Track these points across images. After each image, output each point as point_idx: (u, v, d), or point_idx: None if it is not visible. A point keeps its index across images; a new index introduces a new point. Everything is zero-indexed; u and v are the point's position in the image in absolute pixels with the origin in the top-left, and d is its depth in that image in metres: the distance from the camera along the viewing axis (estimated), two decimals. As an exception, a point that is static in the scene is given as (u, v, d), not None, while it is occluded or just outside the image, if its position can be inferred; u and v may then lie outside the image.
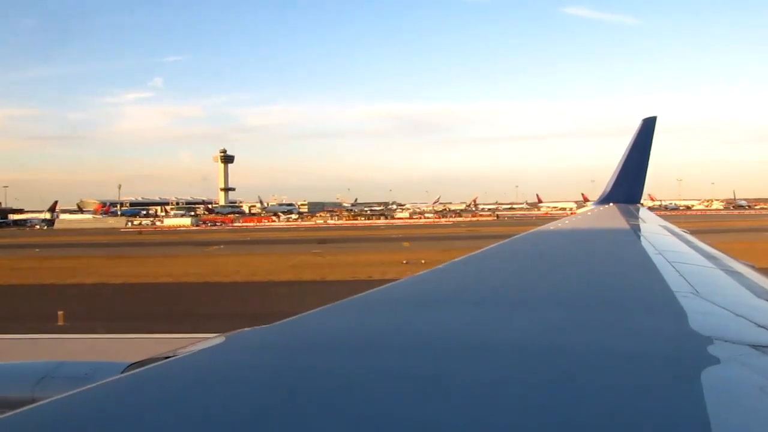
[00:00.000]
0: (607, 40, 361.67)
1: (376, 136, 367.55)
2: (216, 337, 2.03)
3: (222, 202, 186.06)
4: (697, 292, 2.82)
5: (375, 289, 2.98)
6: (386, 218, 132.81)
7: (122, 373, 2.24)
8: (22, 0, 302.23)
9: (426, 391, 1.49)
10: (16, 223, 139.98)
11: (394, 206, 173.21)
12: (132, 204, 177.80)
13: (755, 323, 2.19)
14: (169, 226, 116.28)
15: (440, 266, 3.95)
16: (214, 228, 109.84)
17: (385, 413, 1.36)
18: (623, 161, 11.45)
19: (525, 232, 7.07)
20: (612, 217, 9.06)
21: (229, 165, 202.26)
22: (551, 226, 8.61)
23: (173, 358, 1.90)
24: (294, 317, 2.31)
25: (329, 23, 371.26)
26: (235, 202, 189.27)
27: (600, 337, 2.07)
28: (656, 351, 1.85)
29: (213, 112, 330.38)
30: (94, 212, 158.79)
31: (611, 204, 10.84)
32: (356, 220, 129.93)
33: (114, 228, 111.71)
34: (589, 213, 11.06)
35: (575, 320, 2.31)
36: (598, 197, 12.01)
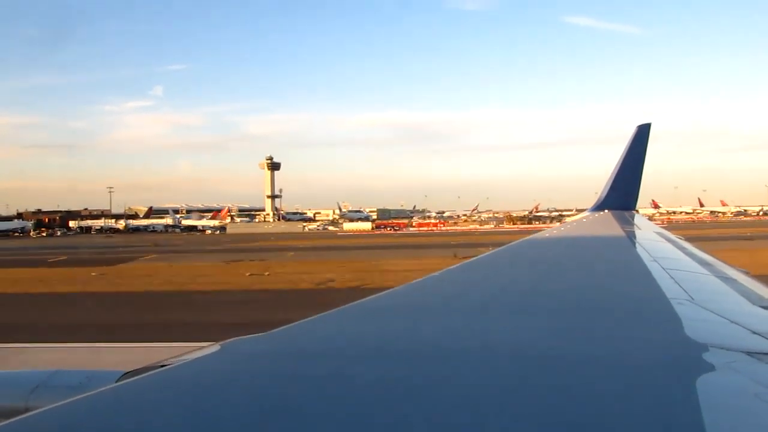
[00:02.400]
0: (608, 48, 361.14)
1: (378, 145, 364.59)
2: (211, 345, 2.02)
3: (268, 209, 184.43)
4: (692, 299, 2.83)
5: (371, 297, 2.97)
6: (560, 222, 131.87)
7: (117, 381, 2.23)
8: (23, 8, 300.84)
9: (422, 399, 1.48)
10: (137, 229, 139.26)
11: (476, 213, 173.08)
12: (188, 210, 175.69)
13: (750, 330, 2.20)
14: (352, 230, 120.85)
15: (436, 273, 3.95)
16: (398, 232, 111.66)
17: (381, 421, 1.36)
18: (618, 168, 11.49)
19: (521, 240, 7.08)
20: (607, 224, 9.07)
21: (273, 172, 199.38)
22: (546, 233, 8.62)
23: (168, 366, 1.89)
24: (289, 325, 2.30)
25: (329, 32, 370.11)
26: (277, 209, 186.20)
27: (595, 344, 2.07)
28: (651, 358, 1.85)
29: (213, 120, 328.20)
30: (222, 218, 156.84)
31: (606, 211, 10.87)
32: (531, 224, 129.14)
33: (295, 232, 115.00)
34: (584, 220, 11.08)
35: (570, 327, 2.31)
36: (593, 204, 12.04)
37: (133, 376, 2.05)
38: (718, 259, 5.01)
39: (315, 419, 1.37)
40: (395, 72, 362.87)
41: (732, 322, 2.36)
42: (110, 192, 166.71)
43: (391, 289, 3.30)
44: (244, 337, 2.12)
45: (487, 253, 5.37)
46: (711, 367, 1.66)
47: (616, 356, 1.88)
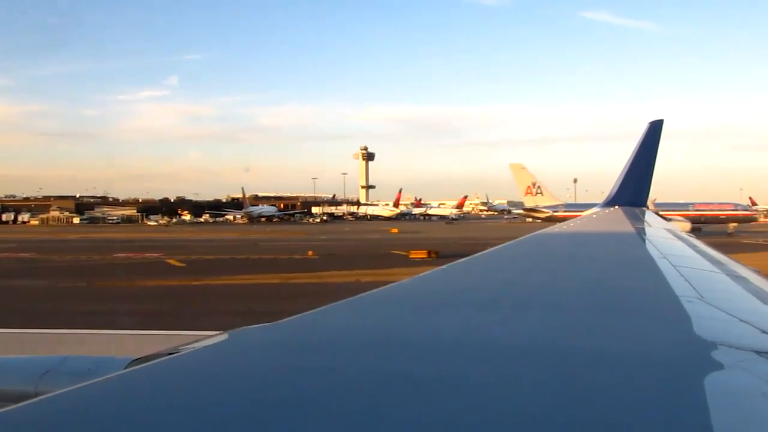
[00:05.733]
0: (626, 44, 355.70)
1: (390, 139, 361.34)
2: (219, 334, 2.03)
3: (363, 200, 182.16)
4: (702, 296, 2.81)
5: (379, 289, 2.98)
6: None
7: (125, 368, 2.24)
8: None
9: (427, 392, 1.48)
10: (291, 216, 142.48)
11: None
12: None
13: (760, 329, 2.18)
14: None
15: (443, 267, 3.95)
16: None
17: (386, 413, 1.36)
18: (629, 164, 11.41)
19: (529, 235, 7.06)
20: (617, 220, 9.02)
21: (367, 162, 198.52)
22: (556, 228, 8.58)
23: (176, 354, 1.90)
24: (297, 315, 2.31)
25: (342, 25, 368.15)
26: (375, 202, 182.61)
27: (603, 341, 2.06)
28: (660, 356, 1.84)
29: (225, 111, 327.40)
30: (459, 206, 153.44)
31: (616, 207, 10.80)
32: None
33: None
34: (594, 216, 11.02)
35: (579, 324, 2.31)
36: (603, 200, 11.97)
37: (141, 363, 2.07)
38: (728, 257, 4.97)
39: (321, 410, 1.37)
40: (409, 66, 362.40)
41: (741, 320, 2.34)
42: (314, 180, 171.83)
43: (400, 281, 3.31)
44: (252, 326, 2.12)
45: (496, 248, 5.35)
46: (719, 366, 1.65)
47: (623, 353, 1.87)
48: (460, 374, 1.64)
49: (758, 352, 1.81)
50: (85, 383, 1.56)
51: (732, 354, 1.78)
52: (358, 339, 2.09)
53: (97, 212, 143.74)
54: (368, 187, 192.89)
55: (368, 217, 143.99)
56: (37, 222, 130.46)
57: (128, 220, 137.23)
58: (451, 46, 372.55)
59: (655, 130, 11.51)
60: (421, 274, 3.60)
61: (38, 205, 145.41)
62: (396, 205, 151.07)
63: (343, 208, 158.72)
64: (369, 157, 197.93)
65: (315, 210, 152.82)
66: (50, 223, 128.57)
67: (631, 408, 1.39)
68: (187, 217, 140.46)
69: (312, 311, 2.39)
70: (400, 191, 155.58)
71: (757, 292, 3.24)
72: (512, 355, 1.85)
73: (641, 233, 7.12)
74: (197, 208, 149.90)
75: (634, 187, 11.20)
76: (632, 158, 11.40)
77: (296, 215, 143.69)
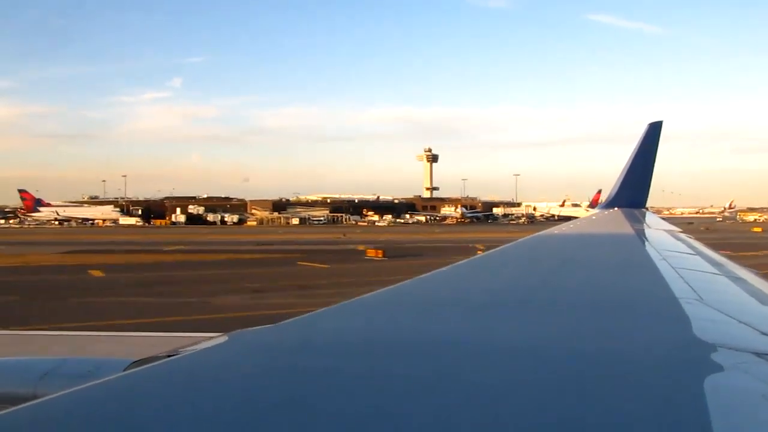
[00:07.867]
0: (630, 46, 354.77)
1: (393, 140, 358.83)
2: (219, 336, 2.03)
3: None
4: (701, 298, 2.81)
5: (379, 291, 2.98)
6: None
7: (125, 370, 2.24)
8: (47, 1, 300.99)
9: (428, 394, 1.48)
10: (492, 216, 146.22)
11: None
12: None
13: (759, 330, 2.18)
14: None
15: (444, 269, 3.95)
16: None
17: (386, 415, 1.36)
18: (628, 165, 11.40)
19: (529, 236, 7.06)
20: (617, 221, 9.03)
21: (434, 164, 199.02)
22: (555, 230, 8.59)
23: (176, 356, 1.90)
24: (298, 317, 2.31)
25: (349, 27, 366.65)
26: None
27: (603, 342, 2.06)
28: (659, 357, 1.84)
29: (229, 113, 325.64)
30: (591, 205, 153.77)
31: (616, 209, 10.81)
32: None
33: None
34: (593, 217, 11.03)
35: (578, 325, 2.31)
36: (603, 201, 11.97)
37: (141, 365, 2.07)
38: (727, 258, 4.97)
39: (320, 411, 1.37)
40: (412, 68, 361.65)
41: (741, 322, 2.34)
42: (515, 177, 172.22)
43: (400, 283, 3.30)
44: (252, 328, 2.13)
45: (497, 249, 5.35)
46: (719, 368, 1.65)
47: (623, 355, 1.87)
48: (459, 375, 1.64)
49: (757, 354, 1.82)
50: (84, 385, 1.56)
51: (731, 356, 1.78)
52: (358, 341, 2.09)
53: (301, 213, 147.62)
54: (433, 188, 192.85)
55: (555, 218, 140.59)
56: (254, 223, 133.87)
57: (332, 221, 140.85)
58: (457, 48, 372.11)
59: (654, 131, 11.51)
60: (421, 276, 3.60)
61: (233, 206, 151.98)
62: (593, 205, 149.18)
63: (521, 209, 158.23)
64: (433, 158, 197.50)
65: (496, 211, 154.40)
66: (270, 225, 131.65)
67: (631, 409, 1.39)
68: (375, 217, 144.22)
69: (311, 313, 2.39)
70: (599, 192, 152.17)
71: (755, 294, 3.24)
72: (512, 356, 1.85)
73: (641, 235, 7.12)
74: (379, 210, 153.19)
75: (633, 188, 11.20)
76: (631, 160, 11.40)
77: (479, 216, 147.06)
